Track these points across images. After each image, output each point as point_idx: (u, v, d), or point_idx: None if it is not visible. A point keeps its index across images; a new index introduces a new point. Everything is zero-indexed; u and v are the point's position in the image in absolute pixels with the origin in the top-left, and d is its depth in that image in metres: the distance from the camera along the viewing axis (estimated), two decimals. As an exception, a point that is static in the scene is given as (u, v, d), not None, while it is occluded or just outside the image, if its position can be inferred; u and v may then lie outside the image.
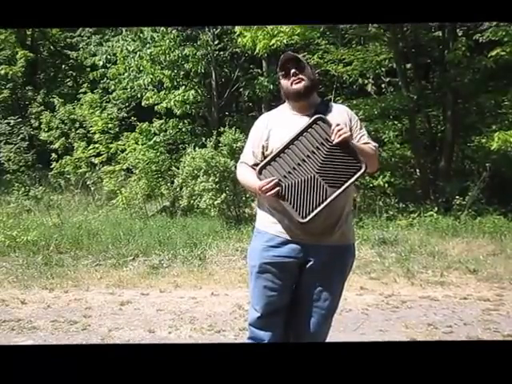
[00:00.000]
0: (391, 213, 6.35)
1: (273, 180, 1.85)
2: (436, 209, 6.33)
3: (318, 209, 1.84)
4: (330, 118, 1.94)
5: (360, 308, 3.65)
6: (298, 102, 1.98)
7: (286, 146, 1.88)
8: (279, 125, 1.98)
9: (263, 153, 1.97)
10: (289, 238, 1.93)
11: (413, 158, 7.71)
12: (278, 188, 1.85)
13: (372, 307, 3.67)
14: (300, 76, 1.94)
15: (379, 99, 7.40)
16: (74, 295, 3.94)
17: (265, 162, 1.90)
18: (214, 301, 3.79)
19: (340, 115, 1.99)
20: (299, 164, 1.86)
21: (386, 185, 6.70)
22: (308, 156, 1.86)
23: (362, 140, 2.00)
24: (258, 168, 1.90)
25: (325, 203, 1.84)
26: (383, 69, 7.62)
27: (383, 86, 8.15)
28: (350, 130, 1.98)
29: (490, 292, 4.00)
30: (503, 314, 3.53)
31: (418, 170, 7.59)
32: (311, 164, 1.86)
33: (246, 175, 2.01)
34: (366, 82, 7.91)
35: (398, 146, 7.81)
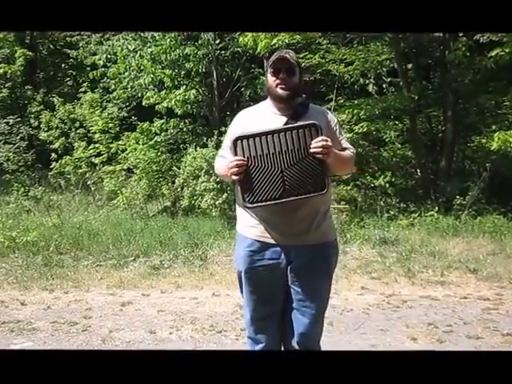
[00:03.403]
0: (392, 213, 6.36)
1: (243, 160, 1.83)
2: (436, 209, 6.34)
3: (267, 203, 1.85)
4: (306, 119, 1.92)
5: (361, 308, 3.65)
6: (280, 103, 1.98)
7: (271, 132, 1.86)
8: (257, 122, 1.98)
9: None
10: (268, 241, 1.94)
11: (413, 158, 7.72)
12: (245, 168, 1.82)
13: (373, 307, 3.67)
14: (287, 81, 1.94)
15: (380, 99, 7.40)
16: (74, 296, 3.93)
17: (244, 134, 1.87)
18: (216, 301, 3.79)
19: (319, 117, 1.98)
20: (273, 154, 1.85)
21: (387, 185, 6.72)
22: (285, 151, 1.85)
23: (342, 144, 2.01)
24: (234, 137, 1.88)
25: (275, 202, 1.84)
26: (384, 69, 7.63)
27: (384, 86, 8.15)
28: (332, 131, 1.98)
29: (490, 291, 4.00)
30: (503, 313, 3.54)
31: (418, 170, 7.59)
32: (283, 160, 1.85)
33: (222, 164, 2.01)
34: (367, 82, 7.90)
35: (399, 146, 7.83)
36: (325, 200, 1.97)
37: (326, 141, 1.82)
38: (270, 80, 1.97)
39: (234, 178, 1.84)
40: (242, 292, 2.06)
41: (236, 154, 1.85)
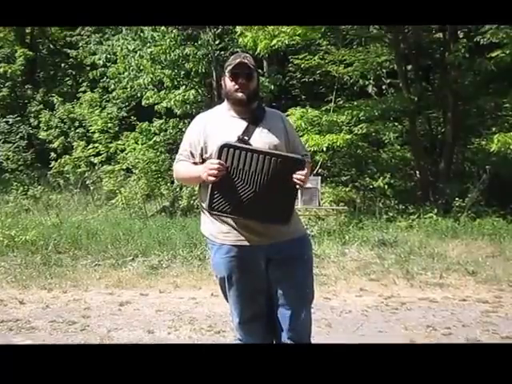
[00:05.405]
0: (391, 214, 6.36)
1: (225, 166, 1.84)
2: (435, 210, 6.35)
3: (228, 216, 1.89)
4: (265, 123, 1.97)
5: (359, 309, 3.64)
6: (238, 106, 1.99)
7: (258, 151, 1.87)
8: (217, 128, 1.98)
9: (202, 155, 1.98)
10: (246, 244, 1.96)
11: (413, 159, 7.72)
12: (223, 173, 1.83)
13: (371, 309, 3.66)
14: (247, 86, 1.95)
15: (380, 100, 7.40)
16: (72, 295, 3.93)
17: (232, 144, 1.87)
18: (214, 301, 3.78)
19: (275, 121, 2.01)
20: (253, 172, 1.86)
21: (386, 186, 6.72)
22: (265, 173, 1.86)
23: (297, 151, 2.03)
24: (223, 142, 1.87)
25: (234, 216, 1.88)
26: (384, 70, 7.64)
27: (384, 87, 8.16)
28: (291, 135, 2.02)
29: (489, 294, 3.99)
30: (502, 316, 3.52)
31: (417, 172, 7.60)
32: (261, 181, 1.86)
33: (188, 167, 2.00)
34: (367, 83, 7.92)
35: (399, 147, 7.84)
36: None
37: (305, 175, 1.88)
38: (229, 84, 1.98)
39: (211, 179, 1.84)
40: (226, 297, 2.08)
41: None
